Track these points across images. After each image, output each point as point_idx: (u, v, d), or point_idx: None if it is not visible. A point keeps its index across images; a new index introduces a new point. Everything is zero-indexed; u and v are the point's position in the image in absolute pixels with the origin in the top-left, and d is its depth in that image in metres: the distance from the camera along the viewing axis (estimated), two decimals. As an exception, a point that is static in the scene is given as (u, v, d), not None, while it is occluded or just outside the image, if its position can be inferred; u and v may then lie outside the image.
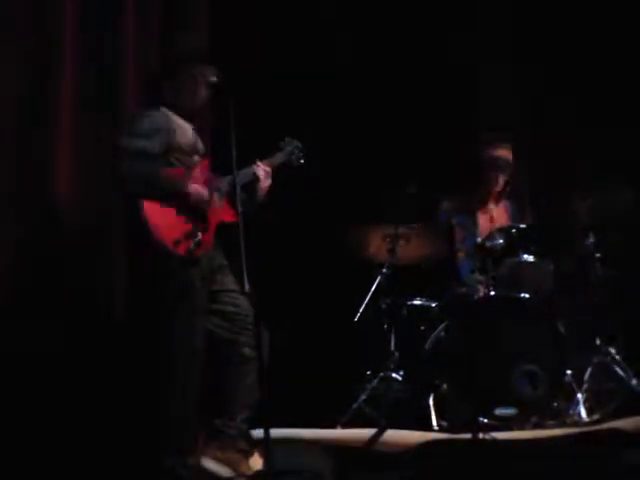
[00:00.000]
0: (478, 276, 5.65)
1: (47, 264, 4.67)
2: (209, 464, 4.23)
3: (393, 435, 4.62)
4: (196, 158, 4.34)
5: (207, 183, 4.31)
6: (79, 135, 4.84)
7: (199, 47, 4.40)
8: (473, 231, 5.88)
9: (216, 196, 4.30)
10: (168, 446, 4.10)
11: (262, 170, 4.46)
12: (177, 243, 4.10)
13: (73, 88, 4.84)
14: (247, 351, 4.30)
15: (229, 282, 4.36)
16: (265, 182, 4.45)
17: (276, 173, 4.56)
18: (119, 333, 4.59)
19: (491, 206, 6.01)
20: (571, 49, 6.62)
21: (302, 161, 4.79)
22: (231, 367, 4.31)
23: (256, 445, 4.36)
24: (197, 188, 4.24)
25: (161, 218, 4.10)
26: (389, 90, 6.40)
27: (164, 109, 4.30)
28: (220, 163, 4.36)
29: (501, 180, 5.94)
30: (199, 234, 4.18)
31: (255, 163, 4.47)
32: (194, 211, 4.22)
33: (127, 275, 4.70)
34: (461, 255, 5.85)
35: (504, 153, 5.92)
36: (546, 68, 6.67)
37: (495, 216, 5.97)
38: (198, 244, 4.16)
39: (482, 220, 5.97)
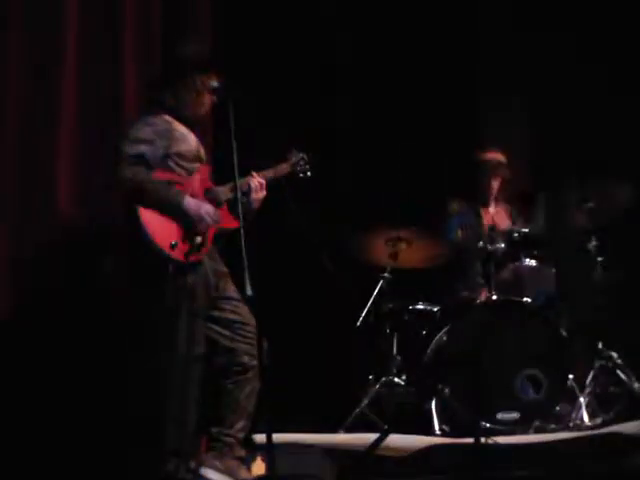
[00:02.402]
0: (480, 280, 5.66)
1: (47, 264, 4.69)
2: (208, 473, 4.23)
3: (395, 440, 4.62)
4: (197, 165, 4.34)
5: (206, 190, 4.32)
6: (79, 136, 4.85)
7: (201, 54, 4.39)
8: (477, 234, 5.87)
9: (213, 210, 4.29)
10: (169, 450, 4.10)
11: (256, 182, 4.42)
12: (173, 247, 4.10)
13: (73, 89, 4.85)
14: (246, 360, 4.29)
15: (230, 290, 4.34)
16: (258, 194, 4.41)
17: (279, 182, 4.55)
18: (119, 335, 4.60)
19: (491, 209, 6.02)
20: (570, 46, 6.63)
21: (309, 173, 4.75)
22: (230, 375, 4.30)
23: (258, 450, 4.36)
24: (194, 201, 4.22)
25: (158, 221, 4.09)
26: (389, 94, 6.40)
27: (166, 116, 4.29)
28: (219, 170, 4.37)
29: (495, 183, 5.95)
30: (196, 238, 4.18)
31: (250, 174, 4.44)
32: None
33: (127, 276, 4.70)
34: (465, 258, 5.84)
35: (495, 156, 5.93)
36: (545, 66, 6.69)
37: (496, 219, 5.97)
38: (196, 248, 4.16)
39: (483, 224, 5.97)
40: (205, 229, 4.20)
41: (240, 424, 4.30)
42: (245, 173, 4.33)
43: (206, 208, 4.22)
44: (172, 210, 4.14)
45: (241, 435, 4.32)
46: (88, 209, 4.82)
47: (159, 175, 4.18)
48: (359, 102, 6.34)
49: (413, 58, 6.45)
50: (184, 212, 4.15)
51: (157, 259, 4.09)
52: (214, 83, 4.27)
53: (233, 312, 4.32)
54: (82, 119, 4.86)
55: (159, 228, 4.10)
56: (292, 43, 6.18)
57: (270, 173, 4.55)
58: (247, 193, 4.37)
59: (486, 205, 6.00)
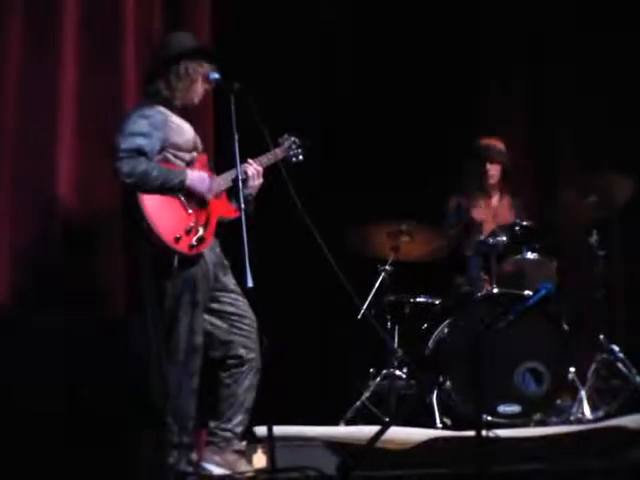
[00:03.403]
0: (481, 273, 5.64)
1: (47, 264, 4.68)
2: (209, 467, 4.23)
3: (396, 432, 4.61)
4: (194, 155, 4.33)
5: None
6: (79, 135, 4.85)
7: (193, 43, 4.38)
8: (478, 228, 5.86)
9: (217, 181, 4.31)
10: (170, 442, 4.10)
11: (253, 169, 4.42)
12: (178, 240, 4.10)
13: (74, 87, 4.85)
14: (243, 352, 4.29)
15: (229, 282, 4.34)
16: (255, 181, 4.40)
17: (275, 169, 4.53)
18: (119, 332, 4.59)
19: (494, 202, 5.99)
20: (568, 47, 6.63)
21: (301, 157, 4.73)
22: (227, 369, 4.29)
23: (259, 442, 4.36)
24: (196, 174, 4.23)
25: (161, 215, 4.10)
26: (388, 86, 6.40)
27: (161, 107, 4.28)
28: (218, 159, 4.36)
29: (496, 170, 5.92)
30: (200, 230, 4.18)
31: (247, 161, 4.43)
32: (195, 205, 4.22)
33: (127, 275, 4.69)
34: (468, 252, 5.83)
35: (492, 142, 5.91)
36: (545, 66, 6.69)
37: (499, 212, 5.95)
38: (199, 240, 4.16)
39: (486, 216, 5.95)
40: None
41: (238, 418, 4.29)
42: (241, 161, 4.32)
43: (214, 183, 4.28)
44: (177, 189, 4.15)
45: (239, 429, 4.32)
46: (89, 205, 4.83)
47: None
48: (360, 93, 6.33)
49: (415, 47, 6.44)
50: (190, 188, 4.17)
51: (162, 252, 4.10)
52: (214, 75, 4.26)
53: (231, 305, 4.31)
54: (83, 116, 4.87)
55: (163, 221, 4.10)
56: (290, 33, 6.18)
57: (265, 159, 4.52)
58: (245, 181, 4.37)
59: (488, 195, 5.97)
